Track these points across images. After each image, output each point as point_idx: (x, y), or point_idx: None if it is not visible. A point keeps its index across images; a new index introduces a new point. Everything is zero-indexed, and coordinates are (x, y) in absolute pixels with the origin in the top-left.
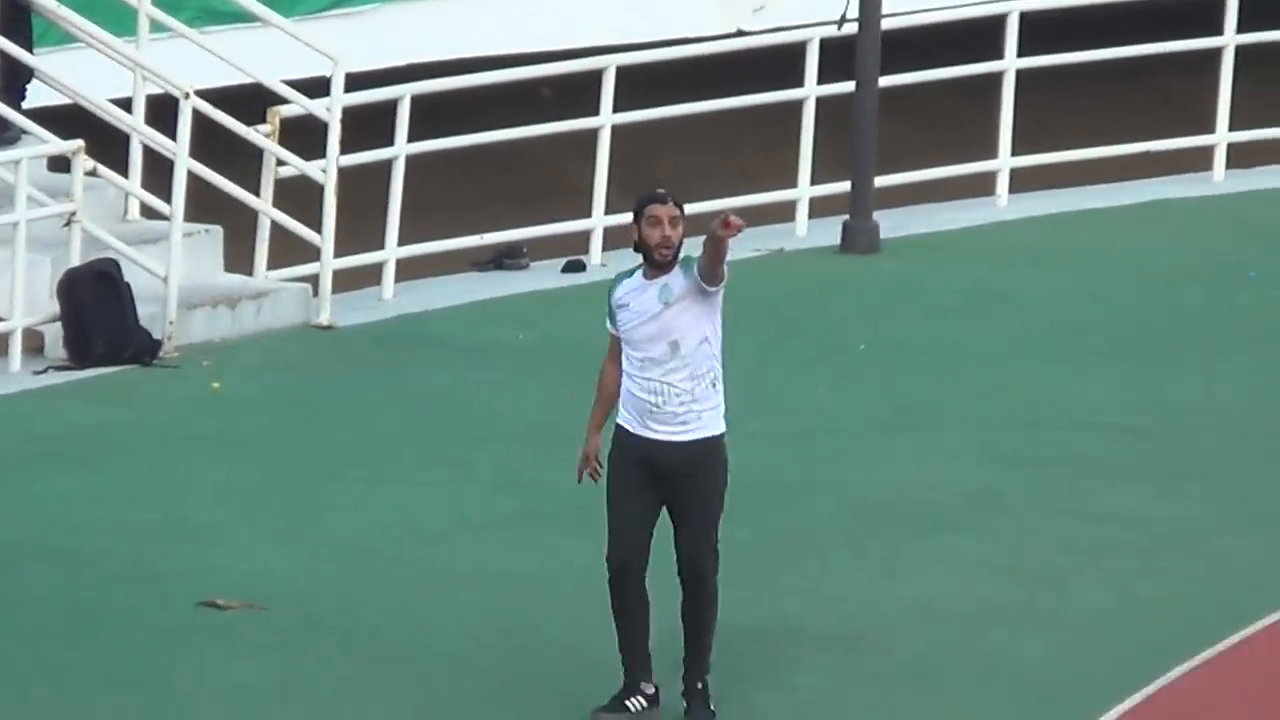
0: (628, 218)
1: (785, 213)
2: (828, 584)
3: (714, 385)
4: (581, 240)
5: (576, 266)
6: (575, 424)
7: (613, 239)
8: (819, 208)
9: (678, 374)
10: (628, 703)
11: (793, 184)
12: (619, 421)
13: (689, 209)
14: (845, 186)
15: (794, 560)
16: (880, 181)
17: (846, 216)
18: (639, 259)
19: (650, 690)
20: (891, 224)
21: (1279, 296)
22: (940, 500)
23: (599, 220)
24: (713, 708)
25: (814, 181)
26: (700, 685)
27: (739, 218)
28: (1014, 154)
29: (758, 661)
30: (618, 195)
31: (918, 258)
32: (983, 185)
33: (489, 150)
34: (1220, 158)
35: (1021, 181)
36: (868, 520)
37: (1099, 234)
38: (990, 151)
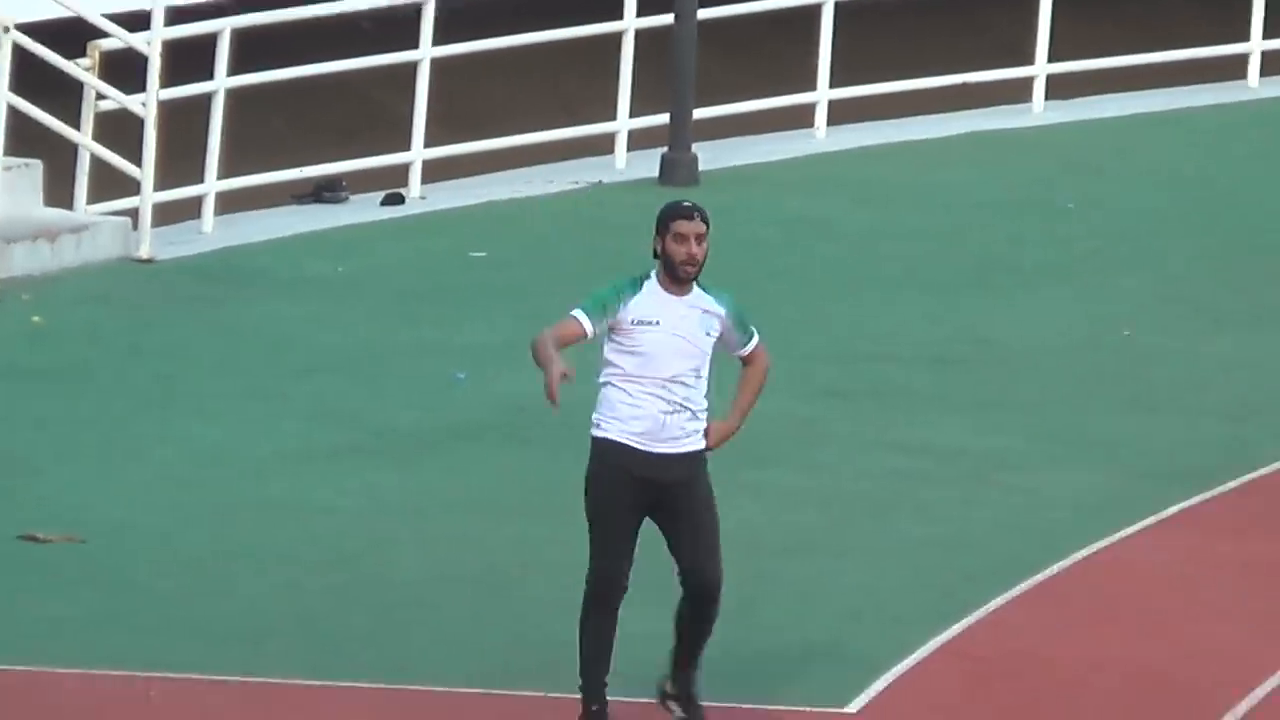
0: (448, 150)
1: (605, 145)
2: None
3: (704, 410)
4: (401, 174)
5: (395, 199)
6: (394, 356)
7: (431, 172)
8: (638, 140)
9: (695, 398)
10: None
11: (612, 117)
12: (609, 436)
13: (508, 141)
14: (664, 119)
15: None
16: (699, 114)
17: (665, 149)
18: (460, 191)
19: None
20: (710, 156)
21: (1096, 227)
22: (757, 432)
23: (418, 154)
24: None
25: (633, 114)
26: (695, 690)
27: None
28: (832, 86)
29: (579, 595)
30: (437, 128)
31: (736, 190)
32: (801, 118)
33: (309, 84)
34: (1039, 89)
35: (839, 114)
36: None
37: (917, 166)
38: (808, 84)
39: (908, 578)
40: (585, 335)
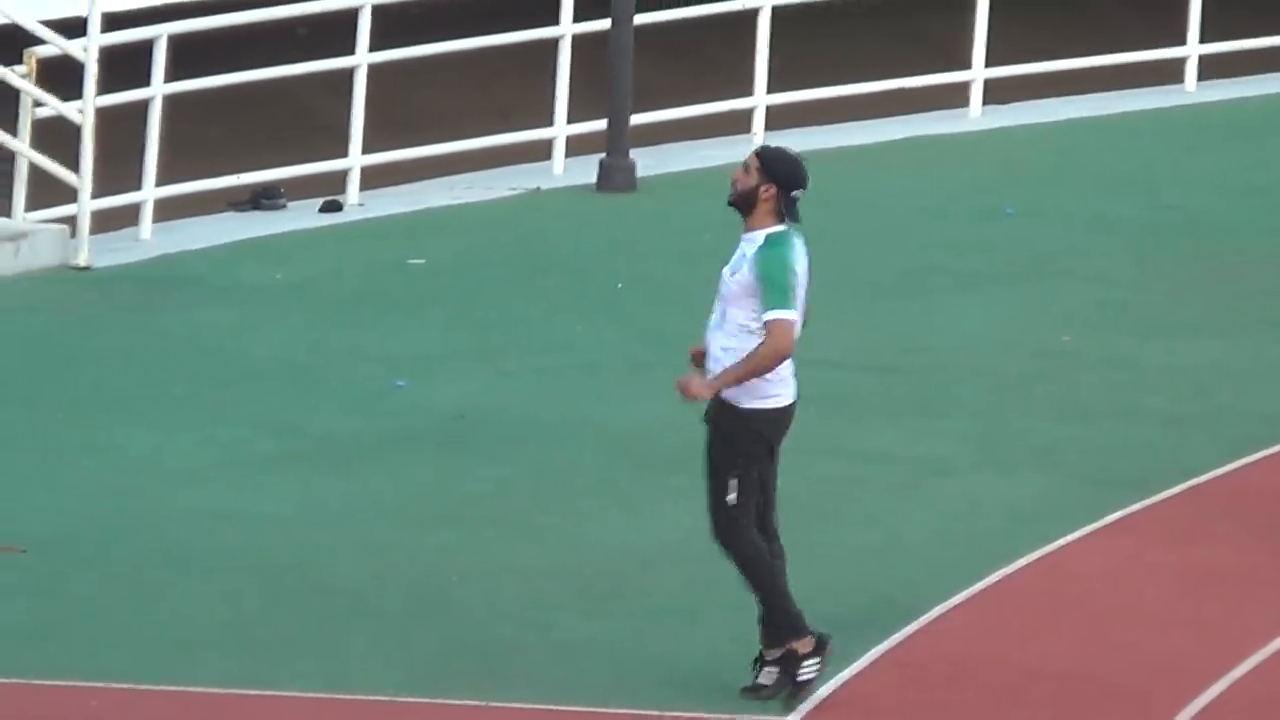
0: (385, 157)
1: (542, 151)
2: (585, 525)
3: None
4: (339, 180)
5: (333, 206)
6: (332, 364)
7: (370, 179)
8: (576, 146)
9: (716, 339)
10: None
11: (549, 122)
12: None
13: (446, 148)
14: (602, 125)
15: (550, 500)
16: (637, 119)
17: (603, 155)
18: (399, 198)
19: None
20: (648, 162)
21: (1035, 232)
22: (694, 438)
23: (356, 160)
24: (803, 676)
25: (570, 120)
26: (770, 655)
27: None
28: (769, 91)
29: (517, 602)
30: (374, 134)
31: (674, 195)
32: (739, 123)
33: (246, 90)
34: (977, 94)
35: (777, 119)
36: (622, 459)
37: (855, 171)
38: (746, 89)
39: (847, 584)
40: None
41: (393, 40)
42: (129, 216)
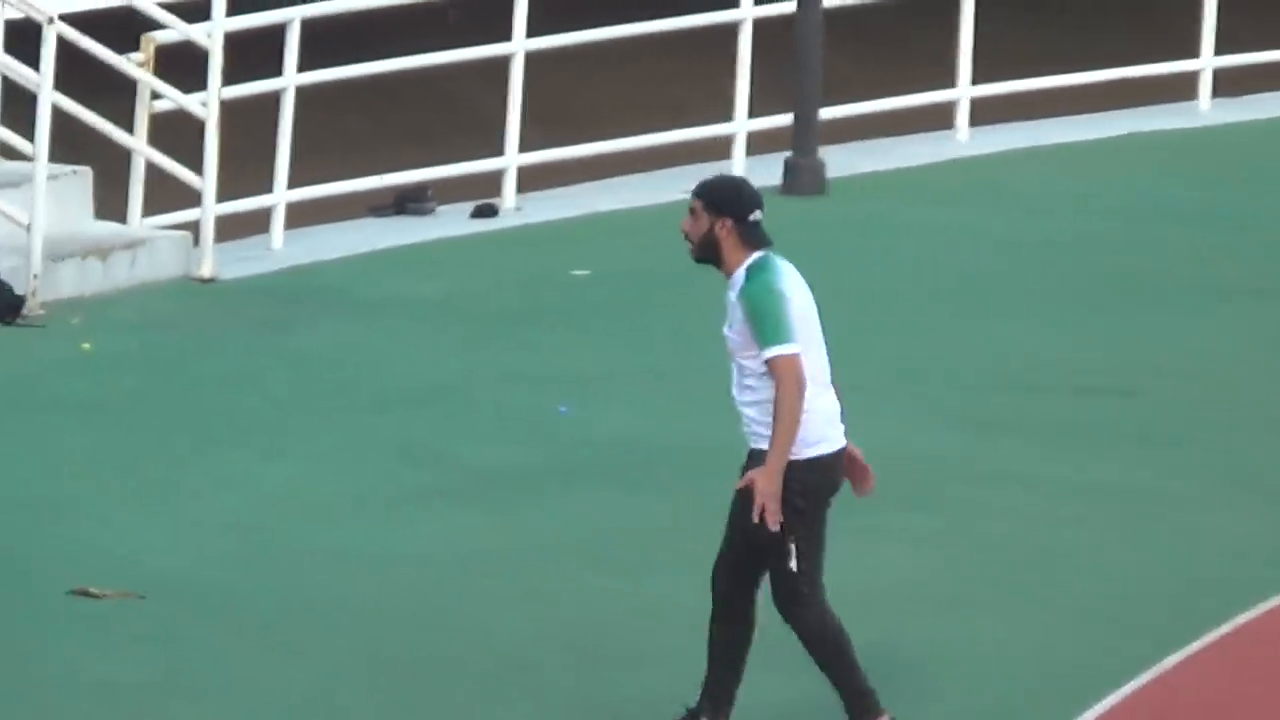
0: (545, 155)
1: (720, 149)
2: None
3: (755, 422)
4: (493, 182)
5: (487, 211)
6: (487, 388)
7: (527, 180)
8: (758, 143)
9: (746, 397)
10: None
11: (728, 117)
12: None
13: (613, 145)
14: (787, 120)
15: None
16: (826, 114)
17: (788, 153)
18: (559, 201)
19: None
20: (839, 161)
21: (1275, 240)
22: (888, 470)
23: (512, 159)
24: None
25: (752, 114)
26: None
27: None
28: (974, 83)
29: (697, 655)
30: (532, 131)
31: (867, 198)
32: (940, 118)
33: (389, 81)
34: (1206, 85)
35: (983, 113)
36: None
37: (1070, 171)
38: (948, 80)
39: (1062, 633)
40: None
41: (553, 25)
42: (258, 222)
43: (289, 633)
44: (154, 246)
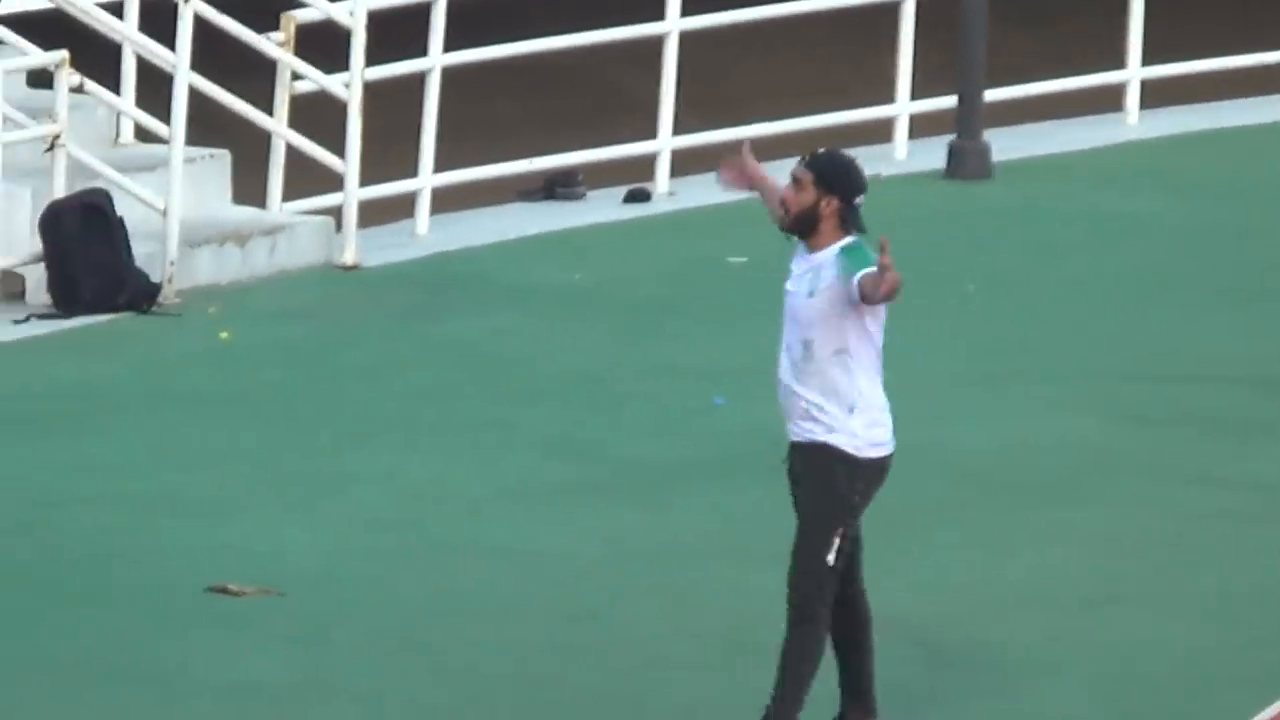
0: (700, 139)
1: (882, 132)
2: (929, 564)
3: (850, 410)
4: (646, 166)
5: (640, 196)
6: (639, 379)
7: (681, 164)
8: (921, 126)
9: (806, 378)
10: None
11: (890, 99)
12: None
13: (769, 128)
14: (951, 102)
15: (889, 536)
16: (991, 96)
17: (953, 136)
18: (713, 187)
19: None
20: (1005, 145)
21: None
22: (1054, 464)
23: (665, 142)
24: None
25: (915, 96)
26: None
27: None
28: (1145, 64)
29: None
30: (687, 113)
31: (1036, 183)
32: (1110, 100)
33: (538, 62)
34: None
35: (1154, 95)
36: (971, 488)
37: (1244, 156)
38: (1118, 61)
39: (1238, 634)
40: None
41: (707, 4)
42: (403, 208)
43: (431, 630)
44: (294, 232)
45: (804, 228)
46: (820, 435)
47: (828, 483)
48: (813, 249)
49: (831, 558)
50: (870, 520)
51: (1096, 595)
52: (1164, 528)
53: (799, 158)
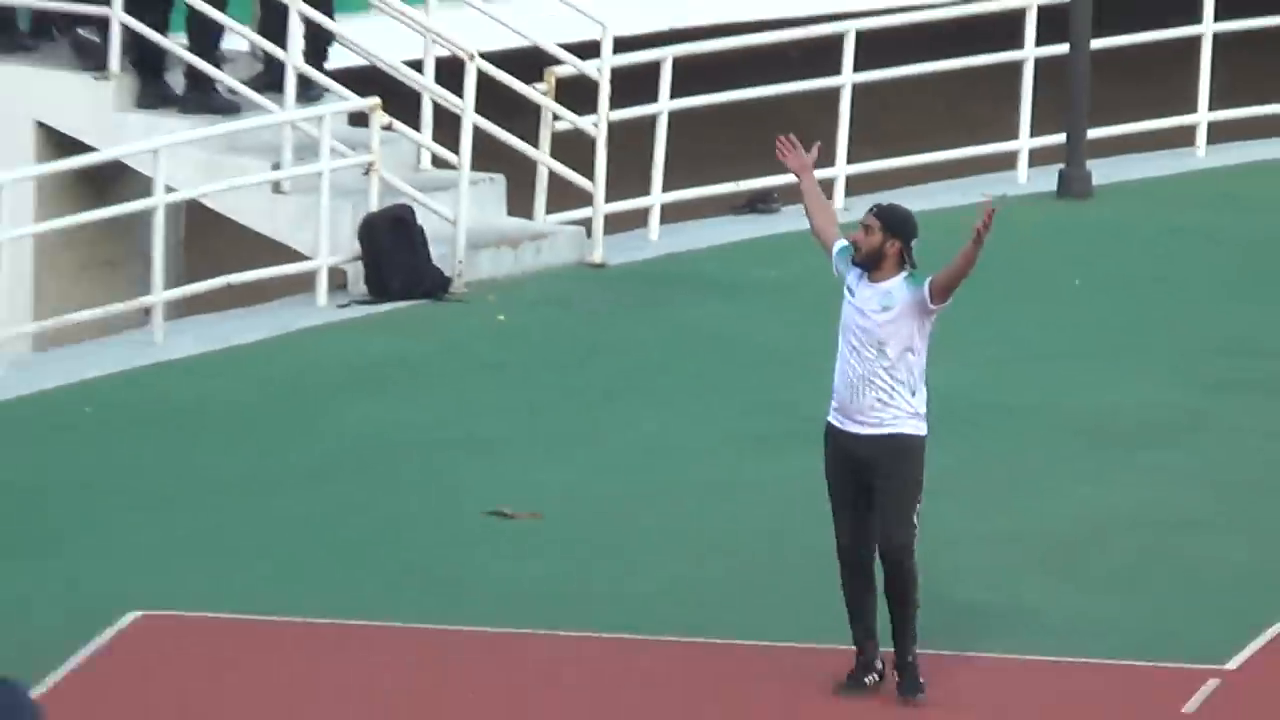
0: (867, 166)
1: (1008, 162)
2: (1044, 496)
3: (913, 393)
4: (825, 187)
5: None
6: (820, 354)
7: (853, 185)
8: (1038, 157)
9: (878, 375)
10: (865, 679)
11: (1014, 136)
12: (828, 419)
13: (918, 159)
14: (1061, 138)
15: (1014, 477)
16: (1093, 134)
17: (1063, 165)
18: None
19: (880, 665)
20: (1104, 171)
21: None
22: (1148, 419)
23: (841, 169)
24: (921, 680)
25: (1033, 134)
26: (909, 659)
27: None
28: (1211, 108)
29: (977, 566)
30: (857, 146)
31: (1127, 202)
32: (1185, 137)
33: (743, 106)
34: None
35: (1219, 133)
36: (1080, 440)
37: None
38: (1190, 106)
39: None
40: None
41: (873, 62)
42: (638, 219)
43: (662, 545)
44: (554, 238)
45: (872, 262)
46: (892, 426)
47: (907, 462)
48: (875, 280)
49: (916, 518)
50: (998, 465)
51: (1181, 520)
52: (1240, 470)
53: (870, 208)
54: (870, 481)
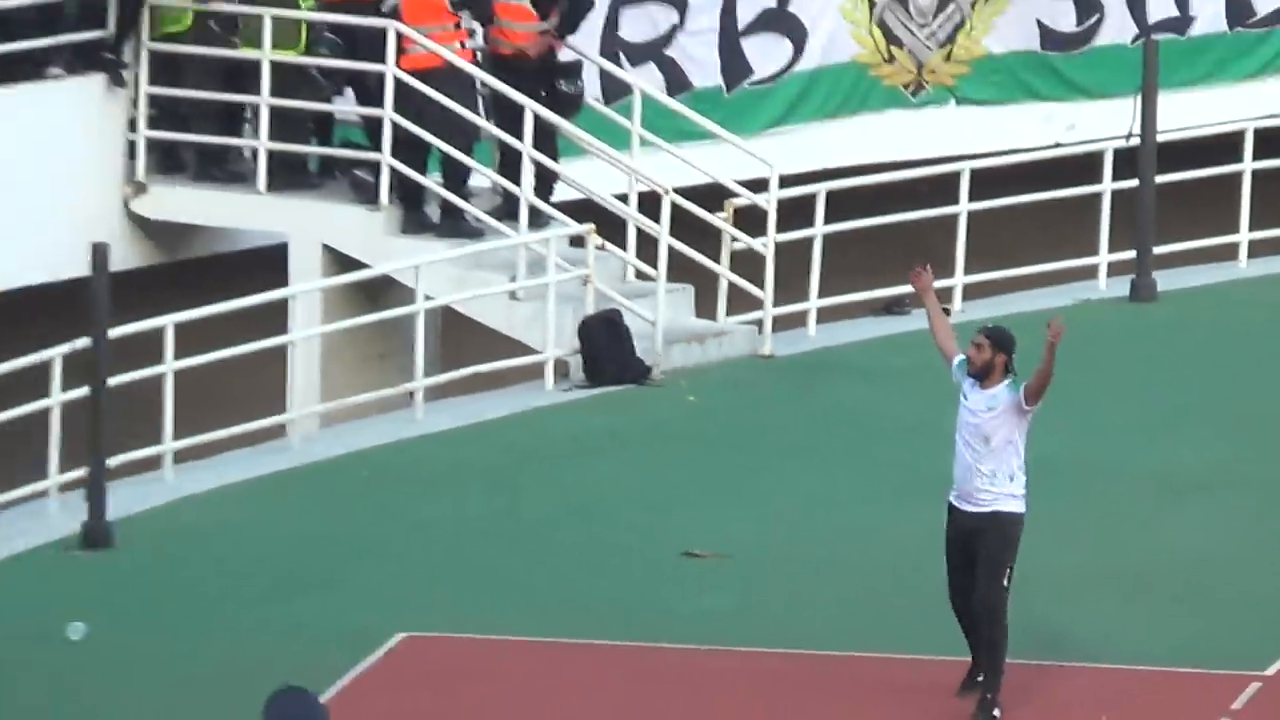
0: (982, 277)
1: (1089, 273)
2: (1113, 535)
3: (1011, 478)
4: (946, 293)
5: (944, 313)
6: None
7: (969, 292)
8: (1114, 269)
9: (984, 463)
10: (977, 678)
11: (1094, 252)
12: (948, 499)
13: (1018, 271)
14: (1132, 254)
15: (1091, 521)
16: (1157, 249)
17: (1133, 275)
18: (990, 303)
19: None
20: (1168, 280)
21: None
22: (1200, 478)
23: (959, 279)
24: (995, 713)
25: (1110, 250)
26: (989, 695)
27: (1058, 324)
28: (1251, 229)
29: (1056, 588)
30: (973, 262)
31: (1188, 305)
32: (1229, 253)
33: (883, 229)
34: None
35: (1260, 248)
36: (1145, 490)
37: None
38: (1234, 227)
39: None
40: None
41: (988, 193)
42: (799, 320)
43: (815, 580)
44: (733, 335)
45: (984, 373)
46: (994, 505)
47: (1006, 536)
48: (985, 387)
49: (1005, 581)
50: (1081, 510)
51: (1219, 555)
52: (1270, 513)
53: (979, 329)
54: (975, 549)
